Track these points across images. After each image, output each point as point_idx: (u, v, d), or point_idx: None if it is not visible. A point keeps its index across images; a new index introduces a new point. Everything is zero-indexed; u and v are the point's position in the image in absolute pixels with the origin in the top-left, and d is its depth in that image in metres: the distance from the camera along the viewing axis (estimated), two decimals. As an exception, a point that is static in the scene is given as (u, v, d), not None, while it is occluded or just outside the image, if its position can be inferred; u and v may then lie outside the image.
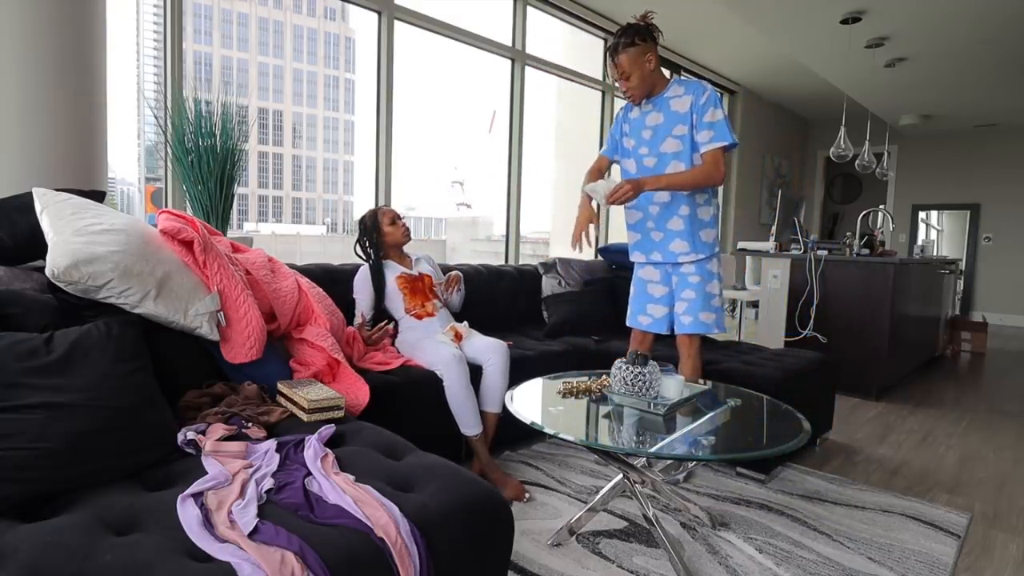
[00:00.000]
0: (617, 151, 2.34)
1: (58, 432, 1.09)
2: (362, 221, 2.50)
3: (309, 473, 1.15)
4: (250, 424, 1.39)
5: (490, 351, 2.21)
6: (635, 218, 2.29)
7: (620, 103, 5.38)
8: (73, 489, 1.09)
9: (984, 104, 6.52)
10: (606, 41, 5.26)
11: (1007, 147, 7.64)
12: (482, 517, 1.11)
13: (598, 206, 2.23)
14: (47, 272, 1.35)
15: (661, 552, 1.70)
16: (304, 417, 1.47)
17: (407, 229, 2.49)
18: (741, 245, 4.44)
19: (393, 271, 2.43)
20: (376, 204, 3.66)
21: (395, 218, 2.47)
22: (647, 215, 2.25)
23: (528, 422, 1.60)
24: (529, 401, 1.83)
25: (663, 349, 2.71)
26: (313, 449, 1.22)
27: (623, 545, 1.75)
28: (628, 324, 2.41)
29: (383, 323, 2.30)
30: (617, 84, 2.16)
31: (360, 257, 2.50)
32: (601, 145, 2.45)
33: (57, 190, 1.63)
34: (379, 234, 2.45)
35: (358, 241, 2.50)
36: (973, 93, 6.09)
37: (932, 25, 4.30)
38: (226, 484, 1.10)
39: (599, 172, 2.38)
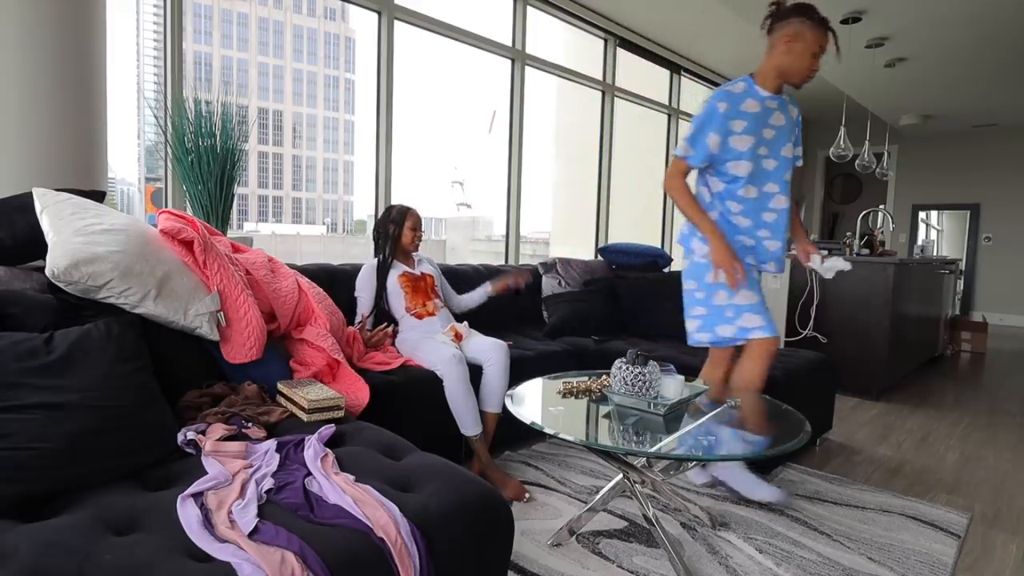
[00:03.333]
0: (710, 158, 2.01)
1: (58, 432, 1.09)
2: (389, 209, 2.54)
3: (309, 473, 1.15)
4: (250, 424, 1.39)
5: (490, 351, 2.21)
6: (745, 225, 2.05)
7: (620, 104, 5.40)
8: (73, 489, 1.09)
9: (984, 104, 6.51)
10: (606, 41, 5.26)
11: (1007, 147, 7.64)
12: (482, 517, 1.11)
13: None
14: (47, 272, 1.35)
15: (661, 552, 1.70)
16: (304, 417, 1.47)
17: (420, 240, 2.55)
18: (741, 245, 4.43)
19: (397, 269, 2.46)
20: (376, 201, 3.66)
21: (416, 226, 2.51)
22: (765, 224, 2.05)
23: (528, 422, 1.60)
24: (529, 401, 1.83)
25: (663, 349, 2.71)
26: (313, 449, 1.22)
27: (623, 545, 1.75)
28: (712, 343, 2.06)
29: (383, 326, 2.31)
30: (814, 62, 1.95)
31: (375, 240, 2.54)
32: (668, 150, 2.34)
33: (57, 190, 1.63)
34: (399, 231, 2.48)
35: (377, 227, 2.55)
36: (973, 93, 6.09)
37: (932, 25, 4.30)
38: (226, 484, 1.10)
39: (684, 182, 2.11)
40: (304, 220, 67.64)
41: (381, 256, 2.48)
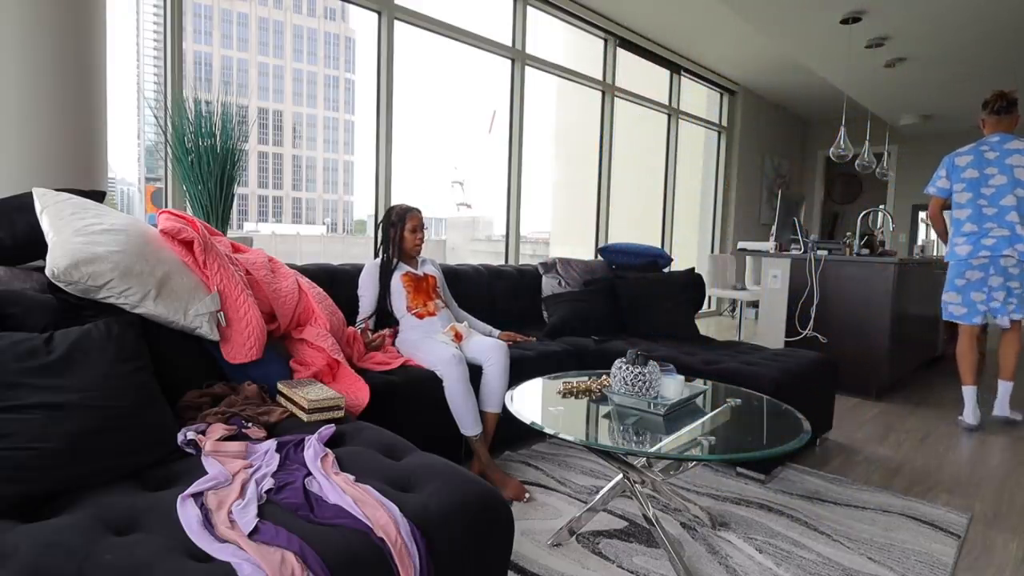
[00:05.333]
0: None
1: (58, 432, 1.09)
2: (390, 211, 2.54)
3: (309, 473, 1.15)
4: (250, 424, 1.39)
5: (490, 351, 2.21)
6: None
7: (620, 104, 5.40)
8: (73, 489, 1.09)
9: (984, 104, 6.51)
10: (606, 41, 5.26)
11: (1007, 147, 7.62)
12: (482, 517, 1.11)
13: None
14: (47, 272, 1.35)
15: (661, 552, 1.70)
16: (304, 417, 1.47)
17: (421, 243, 2.54)
18: (741, 245, 4.44)
19: (399, 269, 2.47)
20: (376, 201, 3.66)
21: (417, 228, 2.51)
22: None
23: (528, 422, 1.60)
24: (529, 401, 1.83)
25: (663, 349, 2.71)
26: (313, 449, 1.22)
27: (623, 545, 1.75)
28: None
29: (384, 331, 2.32)
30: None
31: (379, 241, 2.55)
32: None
33: (57, 190, 1.63)
34: (400, 234, 2.48)
35: (378, 226, 2.56)
36: (973, 93, 6.08)
37: (932, 25, 4.30)
38: (226, 484, 1.10)
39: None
40: (304, 220, 67.62)
41: (385, 257, 2.48)
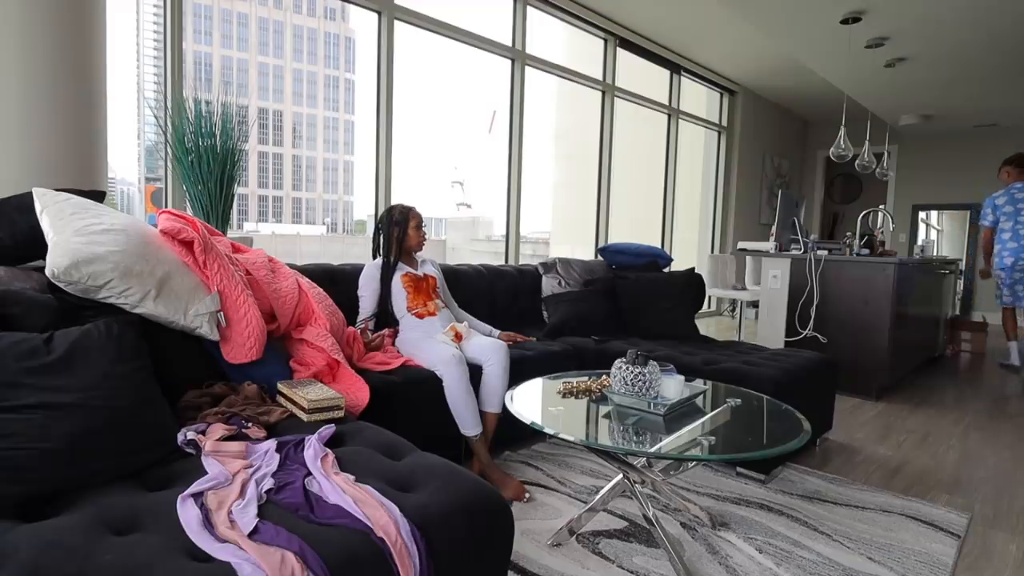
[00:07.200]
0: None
1: (58, 432, 1.09)
2: (390, 211, 2.52)
3: (309, 473, 1.15)
4: (250, 424, 1.39)
5: (490, 351, 2.21)
6: None
7: (620, 103, 5.40)
8: (73, 489, 1.09)
9: (984, 104, 6.51)
10: (606, 41, 5.26)
11: (1007, 147, 7.63)
12: (482, 517, 1.11)
13: None
14: (47, 272, 1.36)
15: (661, 552, 1.70)
16: (304, 417, 1.47)
17: (424, 239, 2.55)
18: (741, 245, 4.43)
19: (400, 270, 2.47)
20: (376, 201, 3.66)
21: (420, 225, 2.52)
22: None
23: (528, 422, 1.60)
24: (529, 401, 1.83)
25: (663, 349, 2.71)
26: (313, 449, 1.22)
27: (623, 545, 1.75)
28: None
29: (384, 331, 2.32)
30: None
31: (376, 246, 2.53)
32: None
33: (57, 190, 1.63)
34: (403, 233, 2.48)
35: (378, 227, 2.54)
36: (973, 93, 6.09)
37: (932, 25, 4.30)
38: (226, 484, 1.10)
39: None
40: (304, 220, 67.59)
41: (385, 258, 2.47)
